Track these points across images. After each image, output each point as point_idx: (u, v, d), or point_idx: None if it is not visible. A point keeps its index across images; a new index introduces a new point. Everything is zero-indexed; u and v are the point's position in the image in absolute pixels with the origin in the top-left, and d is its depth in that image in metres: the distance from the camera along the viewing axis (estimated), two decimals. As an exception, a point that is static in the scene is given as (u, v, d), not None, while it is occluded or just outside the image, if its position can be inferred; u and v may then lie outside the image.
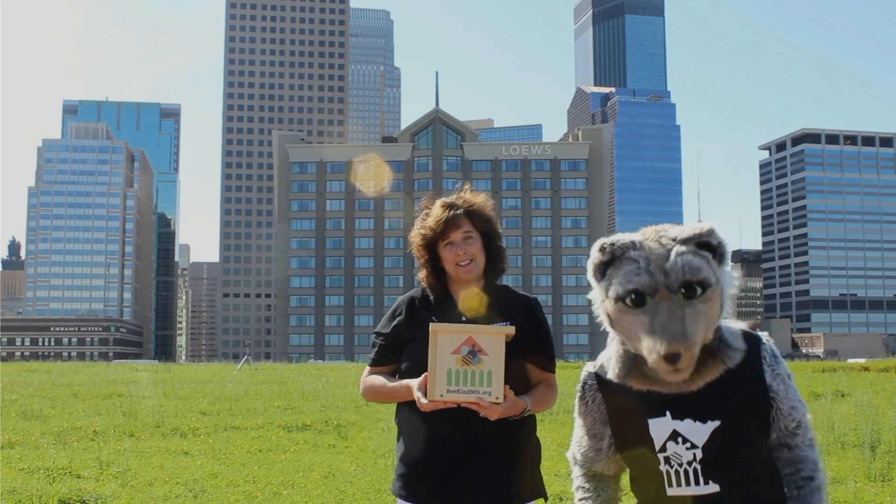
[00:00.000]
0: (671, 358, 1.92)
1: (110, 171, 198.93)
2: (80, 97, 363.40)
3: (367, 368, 2.75)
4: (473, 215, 2.67)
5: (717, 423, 2.04)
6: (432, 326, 2.36)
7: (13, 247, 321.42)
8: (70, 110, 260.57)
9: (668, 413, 2.07)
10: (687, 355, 1.93)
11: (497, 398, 2.32)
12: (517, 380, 2.48)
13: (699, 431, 2.05)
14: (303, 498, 6.65)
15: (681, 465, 2.06)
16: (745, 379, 2.06)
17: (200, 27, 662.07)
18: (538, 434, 2.69)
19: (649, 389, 2.07)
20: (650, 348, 1.95)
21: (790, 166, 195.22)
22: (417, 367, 2.49)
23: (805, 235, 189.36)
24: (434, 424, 2.49)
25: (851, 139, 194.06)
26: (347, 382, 20.74)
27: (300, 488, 7.00)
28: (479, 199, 2.73)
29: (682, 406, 2.06)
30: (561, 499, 6.61)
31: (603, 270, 2.08)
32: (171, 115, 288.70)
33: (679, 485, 2.06)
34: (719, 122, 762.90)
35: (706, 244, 2.03)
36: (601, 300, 2.09)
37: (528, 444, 2.61)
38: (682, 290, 1.97)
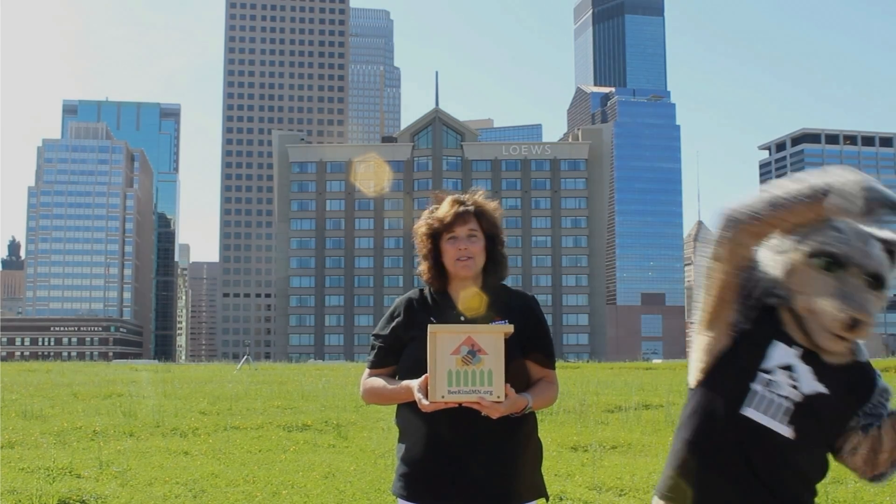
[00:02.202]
0: (856, 324, 1.95)
1: (110, 171, 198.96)
2: (80, 97, 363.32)
3: (367, 371, 2.75)
4: (482, 216, 2.68)
5: (825, 390, 2.08)
6: (431, 328, 2.35)
7: (13, 247, 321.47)
8: (70, 110, 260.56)
9: (801, 348, 2.10)
10: (866, 329, 1.98)
11: (498, 397, 2.32)
12: (517, 378, 2.47)
13: (809, 383, 2.08)
14: (302, 498, 6.65)
15: (776, 394, 2.08)
16: (865, 378, 2.13)
17: (200, 27, 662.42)
18: (538, 434, 2.69)
19: (791, 336, 2.11)
20: (840, 308, 1.97)
21: (790, 166, 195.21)
22: (417, 367, 2.48)
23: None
24: (435, 425, 2.49)
25: (851, 139, 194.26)
26: (347, 382, 20.73)
27: (300, 488, 7.00)
28: (491, 205, 2.74)
29: (813, 357, 2.10)
30: (561, 499, 6.61)
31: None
32: (171, 115, 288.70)
33: (758, 409, 2.08)
34: (719, 122, 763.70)
35: (891, 253, 2.08)
36: (782, 250, 2.10)
37: (529, 444, 2.61)
38: (871, 279, 2.02)
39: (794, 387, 2.07)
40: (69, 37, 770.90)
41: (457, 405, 2.34)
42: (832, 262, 2.03)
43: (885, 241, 2.08)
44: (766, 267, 2.16)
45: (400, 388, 2.54)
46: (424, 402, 2.35)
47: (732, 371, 2.15)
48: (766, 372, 2.09)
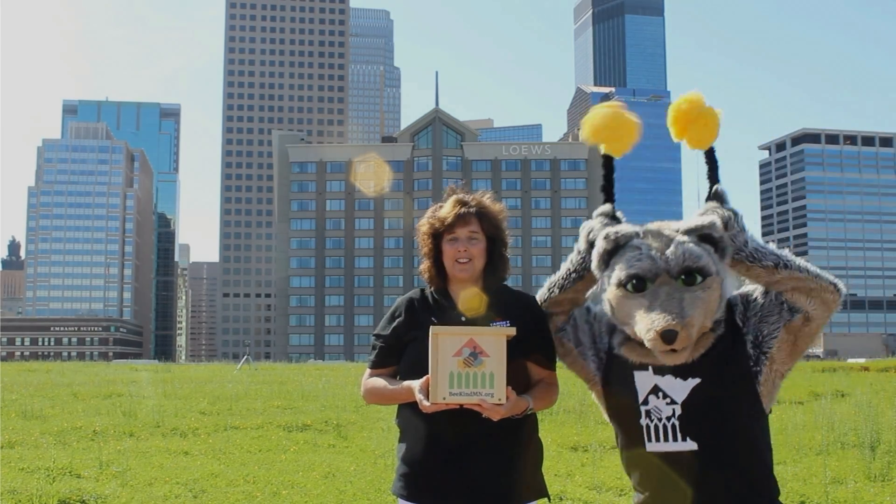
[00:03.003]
0: (667, 335, 1.98)
1: (110, 171, 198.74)
2: (80, 97, 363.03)
3: (368, 371, 2.74)
4: (484, 217, 2.66)
5: (696, 381, 2.10)
6: (433, 329, 2.36)
7: (13, 247, 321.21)
8: (70, 110, 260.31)
9: (650, 367, 2.13)
10: (683, 335, 1.99)
11: (499, 399, 2.33)
12: (518, 379, 2.48)
13: (679, 388, 2.11)
14: (303, 498, 6.65)
15: (660, 419, 2.12)
16: (727, 337, 2.12)
17: (200, 27, 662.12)
18: (539, 434, 2.68)
19: (642, 362, 2.14)
20: (647, 327, 2.01)
21: (790, 166, 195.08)
22: (418, 368, 2.48)
23: (805, 235, 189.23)
24: (435, 425, 2.49)
25: (851, 139, 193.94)
26: (347, 382, 20.71)
27: (300, 488, 7.00)
28: (495, 207, 2.73)
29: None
30: (561, 499, 6.61)
31: (607, 260, 2.19)
32: (171, 115, 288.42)
33: (658, 440, 2.12)
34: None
35: (708, 237, 2.13)
36: (603, 290, 2.18)
37: (530, 445, 2.60)
38: (683, 277, 2.06)
39: (671, 402, 2.10)
40: (69, 37, 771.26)
41: (458, 406, 2.35)
42: (637, 283, 2.08)
43: (692, 230, 2.13)
44: (604, 310, 2.25)
45: (401, 389, 2.54)
46: (425, 403, 2.36)
47: (621, 417, 2.21)
48: (645, 403, 2.14)
